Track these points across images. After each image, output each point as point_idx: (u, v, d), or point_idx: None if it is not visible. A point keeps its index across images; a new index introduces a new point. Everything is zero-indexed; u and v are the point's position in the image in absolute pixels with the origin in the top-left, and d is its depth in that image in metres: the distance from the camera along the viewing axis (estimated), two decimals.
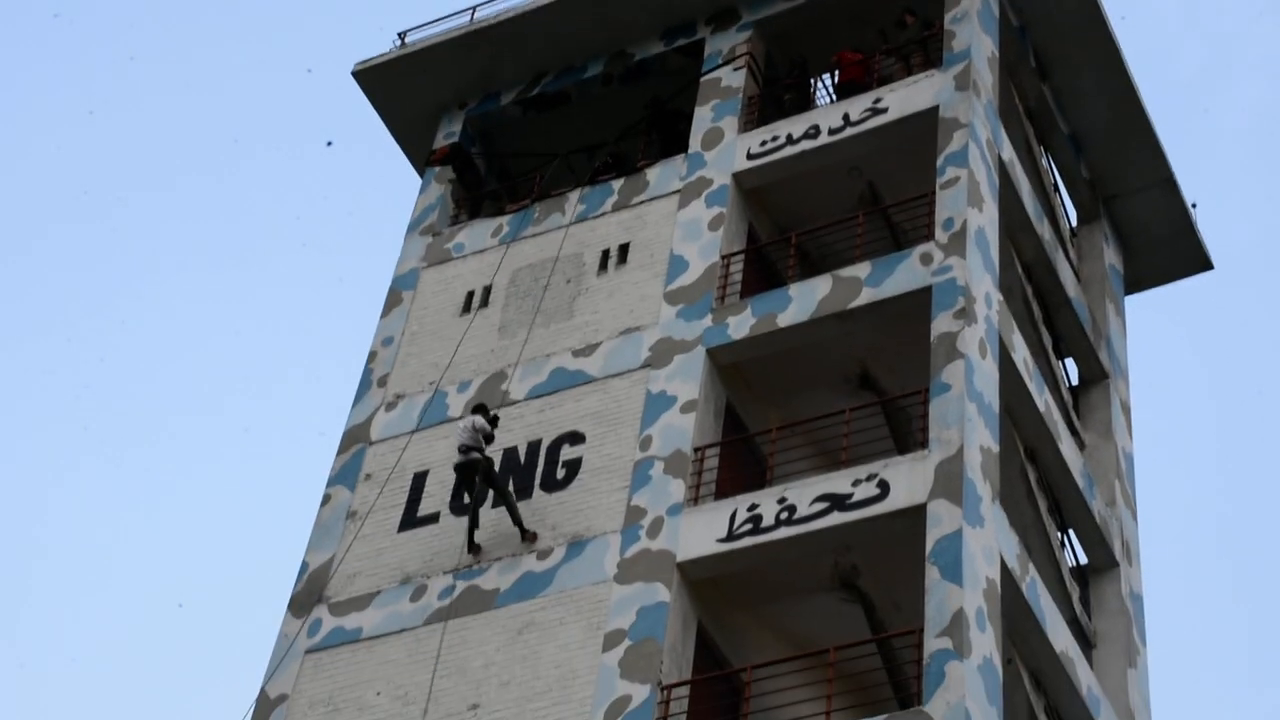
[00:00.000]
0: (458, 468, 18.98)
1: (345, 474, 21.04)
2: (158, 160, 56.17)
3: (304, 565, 20.24)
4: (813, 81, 24.42)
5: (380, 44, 53.81)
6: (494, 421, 19.37)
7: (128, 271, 54.65)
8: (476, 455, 18.84)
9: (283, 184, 56.07)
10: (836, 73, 23.30)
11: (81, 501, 51.60)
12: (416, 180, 25.37)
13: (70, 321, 53.11)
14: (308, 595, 19.84)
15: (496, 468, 19.23)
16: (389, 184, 56.65)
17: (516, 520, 18.74)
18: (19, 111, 55.18)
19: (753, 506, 18.04)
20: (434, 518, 19.83)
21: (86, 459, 51.07)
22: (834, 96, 23.25)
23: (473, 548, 18.90)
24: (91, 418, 51.33)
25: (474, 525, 18.92)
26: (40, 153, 55.34)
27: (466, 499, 19.04)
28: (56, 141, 55.68)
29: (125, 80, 56.56)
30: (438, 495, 20.04)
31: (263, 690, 19.12)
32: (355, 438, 21.44)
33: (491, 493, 19.03)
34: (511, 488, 19.58)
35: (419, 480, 20.39)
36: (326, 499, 20.89)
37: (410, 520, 20.00)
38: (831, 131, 21.67)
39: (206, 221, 55.29)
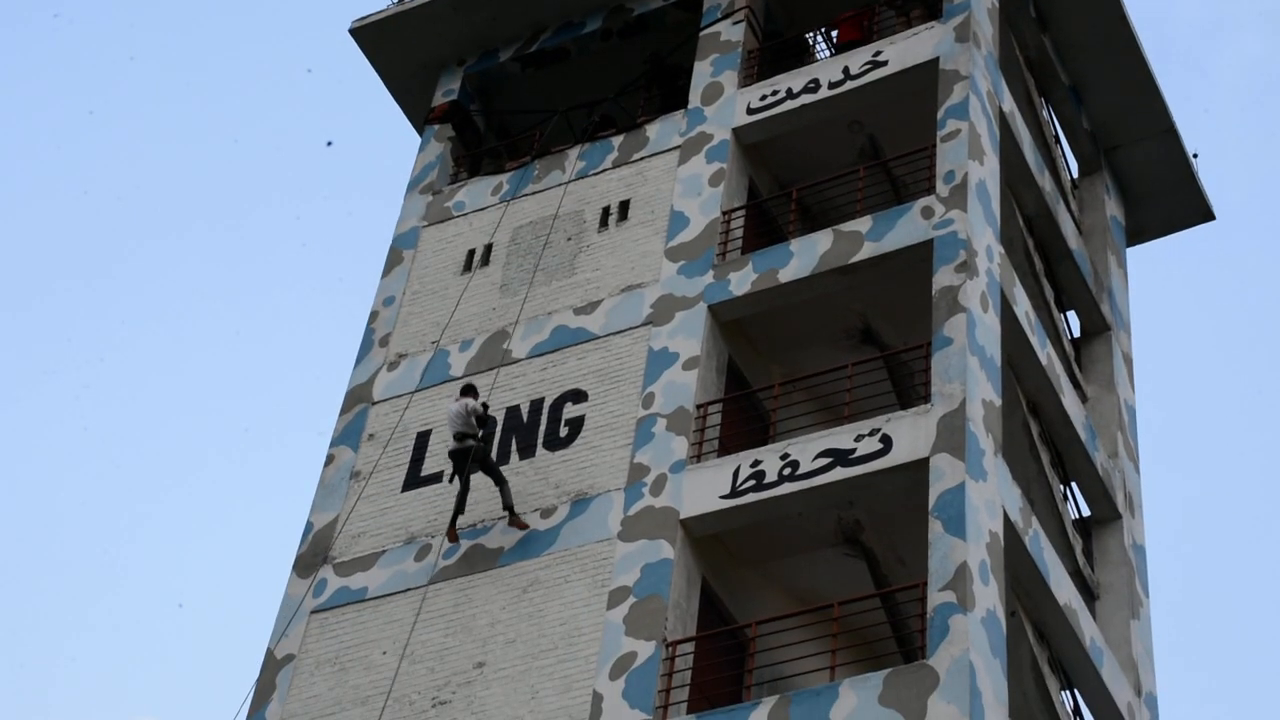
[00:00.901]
0: (453, 454, 18.62)
1: (348, 434, 20.90)
2: (158, 160, 55.86)
3: (308, 525, 20.11)
4: (811, 36, 24.17)
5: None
6: (484, 409, 18.88)
7: (128, 272, 54.35)
8: (472, 442, 18.48)
9: (283, 184, 55.86)
10: (834, 33, 23.08)
11: (81, 501, 51.23)
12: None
13: (70, 322, 52.86)
14: (313, 556, 19.73)
15: (498, 433, 19.06)
16: (390, 187, 56.52)
17: (508, 505, 18.39)
18: (19, 111, 54.93)
19: (756, 463, 17.91)
20: (437, 477, 19.70)
21: (86, 459, 50.76)
22: (832, 52, 23.00)
23: (453, 535, 18.52)
24: (91, 418, 51.05)
25: (459, 511, 18.55)
26: (40, 153, 55.06)
27: (457, 482, 18.67)
28: (56, 141, 55.35)
29: (125, 80, 56.32)
30: (441, 454, 19.88)
31: (269, 650, 19.04)
32: (358, 397, 21.30)
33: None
34: (514, 446, 19.45)
35: (422, 439, 20.25)
36: (330, 459, 20.75)
37: (414, 480, 19.89)
38: (831, 85, 21.43)
39: (206, 221, 55.06)
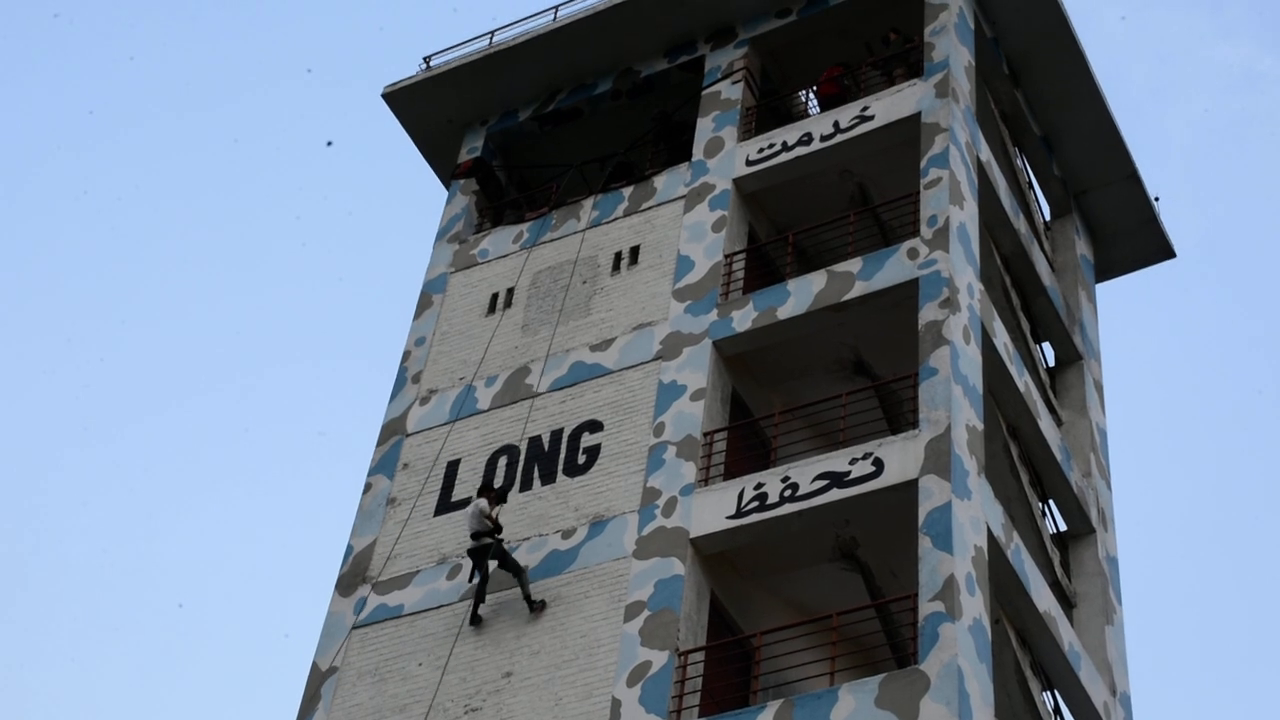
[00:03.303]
0: (470, 552, 18.22)
1: (384, 464, 20.99)
2: (158, 160, 53.33)
3: (349, 548, 20.19)
4: (803, 94, 24.35)
5: (380, 42, 52.36)
6: (503, 496, 18.59)
7: (128, 271, 52.04)
8: (488, 540, 18.12)
9: (283, 184, 53.55)
10: (815, 89, 23.29)
11: (81, 502, 49.54)
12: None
13: (70, 321, 50.51)
14: (353, 576, 19.80)
15: (521, 461, 19.03)
16: (391, 183, 53.89)
17: (526, 595, 17.99)
18: (19, 111, 52.49)
19: (759, 485, 17.97)
20: (466, 502, 19.74)
21: (86, 459, 49.12)
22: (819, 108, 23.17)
23: (475, 620, 18.17)
24: (91, 418, 49.32)
25: (480, 600, 18.25)
26: (40, 153, 52.60)
27: (477, 578, 18.25)
28: (56, 141, 52.93)
29: (125, 80, 53.79)
30: (470, 482, 19.98)
31: (315, 663, 19.10)
32: (393, 430, 21.40)
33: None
34: (537, 473, 19.52)
35: (452, 468, 20.33)
36: (368, 487, 20.84)
37: (445, 505, 19.95)
38: (823, 138, 21.57)
39: (206, 221, 52.79)
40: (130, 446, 49.12)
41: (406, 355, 22.40)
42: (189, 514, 48.78)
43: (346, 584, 19.75)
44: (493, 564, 18.24)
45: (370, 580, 19.62)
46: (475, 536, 18.17)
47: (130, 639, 46.82)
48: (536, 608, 17.96)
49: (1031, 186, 24.74)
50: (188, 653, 46.57)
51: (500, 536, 18.25)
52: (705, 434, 18.88)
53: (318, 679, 18.90)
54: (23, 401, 49.01)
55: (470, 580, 18.43)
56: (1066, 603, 20.94)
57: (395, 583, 19.41)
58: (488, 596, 18.32)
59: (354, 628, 19.19)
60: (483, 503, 18.29)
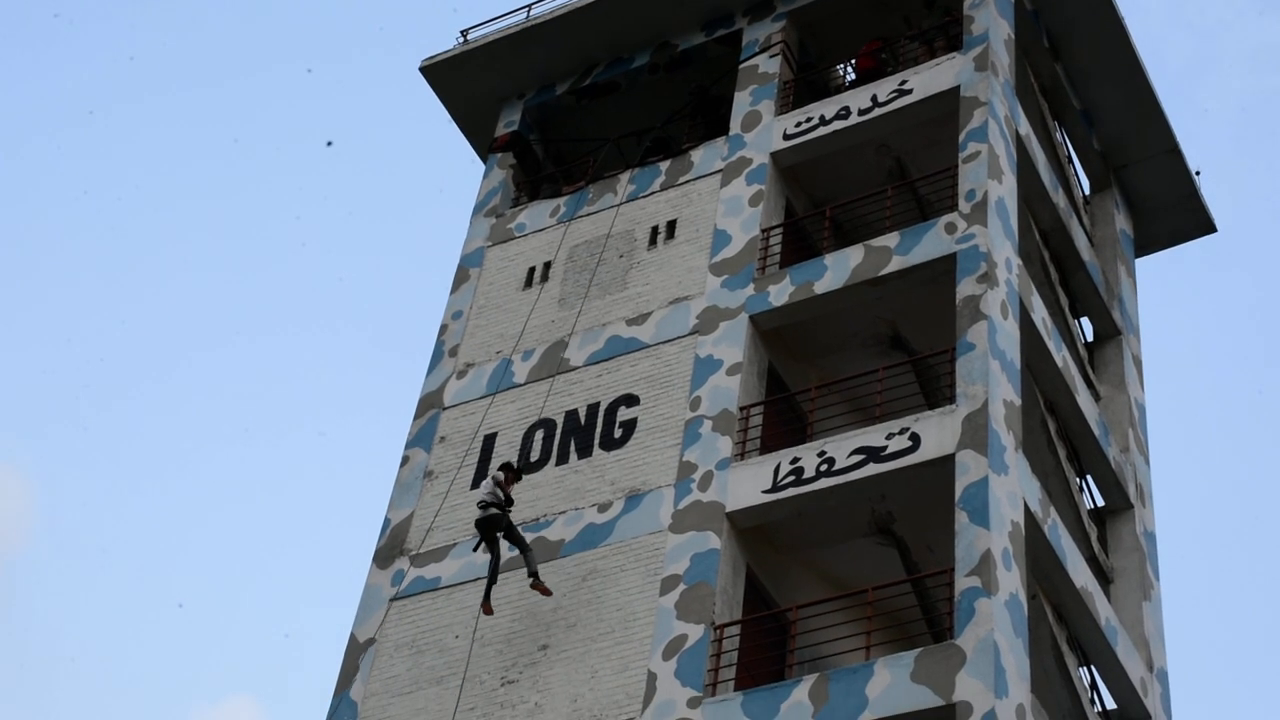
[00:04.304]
0: (478, 523, 17.93)
1: (421, 437, 21.03)
2: (158, 160, 52.82)
3: (386, 521, 20.26)
4: (841, 67, 24.21)
5: (382, 41, 51.93)
6: (520, 475, 18.33)
7: (128, 271, 51.57)
8: (495, 511, 17.85)
9: (283, 184, 53.04)
10: (853, 62, 23.14)
11: (81, 502, 49.22)
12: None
13: (70, 321, 50.02)
14: (390, 548, 19.86)
15: (557, 435, 18.98)
16: (396, 183, 53.60)
17: (532, 571, 17.69)
18: (19, 111, 51.95)
19: (795, 460, 17.93)
20: None
21: (87, 459, 48.71)
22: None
23: (488, 608, 17.78)
24: (92, 418, 48.91)
25: (492, 581, 17.92)
26: (40, 153, 52.02)
27: (484, 551, 18.01)
28: (56, 141, 52.30)
29: (125, 80, 53.24)
30: (506, 455, 19.98)
31: (353, 635, 19.18)
32: (430, 404, 21.43)
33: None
34: (573, 447, 19.52)
35: (489, 442, 20.36)
36: (405, 460, 20.89)
37: (481, 478, 19.95)
38: (861, 112, 21.44)
39: (206, 221, 52.33)
40: (130, 446, 49.08)
41: (443, 329, 22.42)
42: (190, 515, 48.71)
43: (384, 556, 19.82)
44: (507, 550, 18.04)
45: (408, 553, 19.67)
46: (483, 506, 17.95)
47: (132, 638, 46.90)
48: (540, 586, 17.66)
49: (1071, 161, 24.54)
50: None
51: (509, 510, 17.98)
52: (741, 408, 18.84)
53: (356, 651, 18.98)
54: (23, 401, 49.03)
55: (475, 550, 18.31)
56: (1104, 578, 20.84)
57: (432, 555, 19.46)
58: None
59: (392, 600, 19.26)
60: (499, 475, 18.21)
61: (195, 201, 51.73)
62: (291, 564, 48.56)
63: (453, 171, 54.28)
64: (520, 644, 17.94)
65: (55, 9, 51.54)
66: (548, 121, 25.44)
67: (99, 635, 47.47)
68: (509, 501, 18.11)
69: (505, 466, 18.47)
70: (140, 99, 52.90)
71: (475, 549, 18.35)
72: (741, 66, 23.31)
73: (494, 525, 17.89)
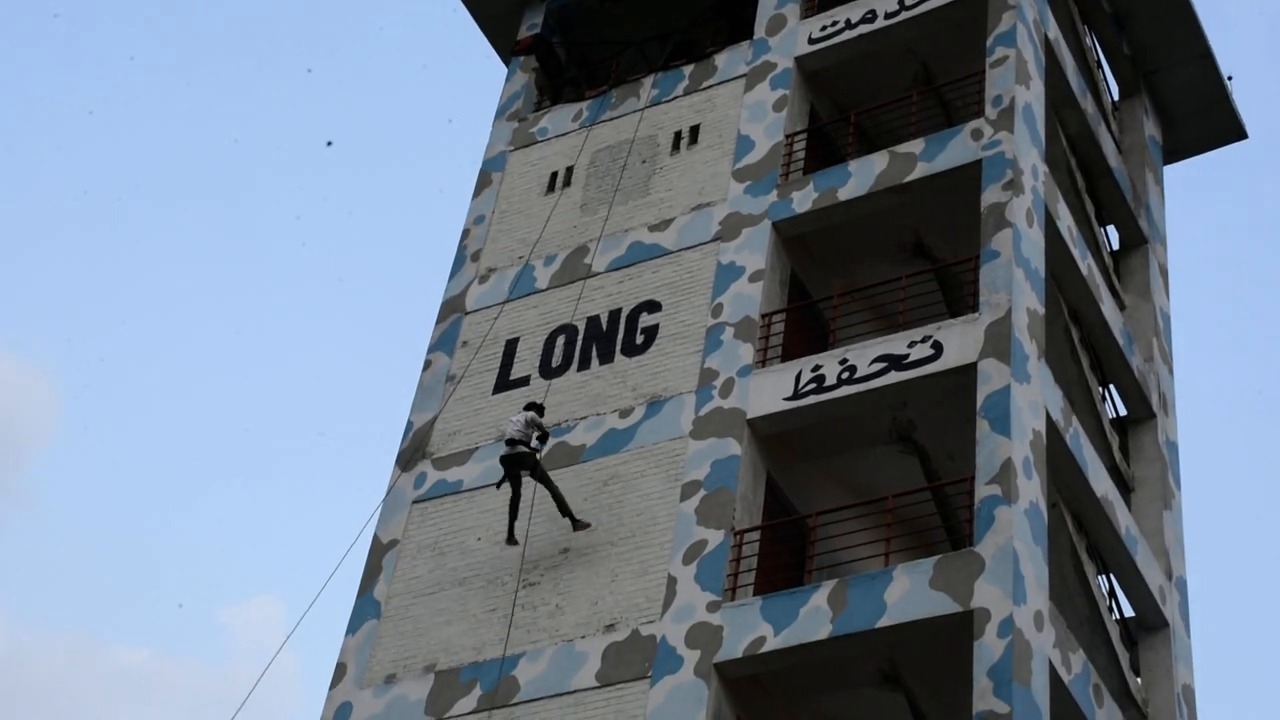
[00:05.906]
0: (504, 459, 17.69)
1: (444, 341, 21.04)
2: (158, 160, 52.09)
3: (409, 424, 20.31)
4: None
5: (382, 41, 51.04)
6: (542, 413, 18.02)
7: (128, 271, 50.92)
8: (524, 449, 17.64)
9: (283, 184, 52.24)
10: None
11: (81, 502, 48.95)
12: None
13: (70, 321, 49.34)
14: (413, 451, 19.94)
15: (579, 340, 18.87)
16: (393, 186, 52.82)
17: (566, 511, 17.55)
18: (19, 111, 51.16)
19: (816, 367, 17.89)
20: (524, 380, 19.81)
21: (86, 459, 48.34)
22: None
23: (512, 539, 17.79)
24: (92, 417, 48.43)
25: (514, 517, 17.79)
26: (40, 153, 51.26)
27: (508, 488, 17.87)
28: (56, 141, 51.46)
29: (125, 80, 52.45)
30: (528, 360, 20.00)
31: (376, 536, 19.32)
32: (452, 308, 21.41)
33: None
34: (595, 353, 19.50)
35: (510, 346, 20.36)
36: (427, 364, 20.91)
37: (503, 383, 20.01)
38: (887, 15, 21.13)
39: (206, 221, 51.81)
40: (130, 447, 48.77)
41: (465, 234, 22.34)
42: (190, 512, 48.62)
43: (407, 459, 19.91)
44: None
45: (430, 456, 19.75)
46: (510, 444, 17.72)
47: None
48: (580, 525, 17.54)
49: (1100, 65, 24.19)
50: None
51: (540, 455, 17.79)
52: (763, 315, 18.78)
53: (379, 551, 19.13)
54: (23, 401, 48.99)
55: (498, 486, 18.10)
56: (1125, 487, 20.83)
57: (454, 459, 19.53)
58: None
59: (414, 502, 19.38)
60: (532, 414, 17.95)
61: (195, 201, 51.50)
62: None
63: (453, 171, 53.61)
64: (541, 546, 18.04)
65: (55, 9, 50.92)
66: (571, 24, 25.13)
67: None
68: (544, 438, 17.92)
69: (539, 408, 18.17)
70: (140, 99, 52.50)
71: (498, 486, 18.05)
72: None
73: (520, 463, 17.71)
